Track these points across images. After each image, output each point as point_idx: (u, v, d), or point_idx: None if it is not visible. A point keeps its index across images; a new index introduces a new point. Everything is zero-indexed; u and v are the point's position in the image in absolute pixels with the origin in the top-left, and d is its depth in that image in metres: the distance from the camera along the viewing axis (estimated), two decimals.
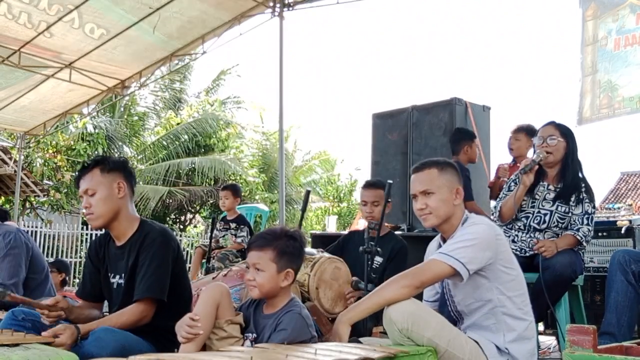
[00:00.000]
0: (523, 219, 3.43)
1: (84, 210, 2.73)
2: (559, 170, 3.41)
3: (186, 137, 16.48)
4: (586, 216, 3.31)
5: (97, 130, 14.35)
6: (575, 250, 3.29)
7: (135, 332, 2.43)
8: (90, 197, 2.62)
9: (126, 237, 2.66)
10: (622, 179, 25.01)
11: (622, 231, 4.15)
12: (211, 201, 15.96)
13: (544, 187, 3.43)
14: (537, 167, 3.33)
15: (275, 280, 2.27)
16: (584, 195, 3.34)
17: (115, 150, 15.43)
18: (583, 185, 3.38)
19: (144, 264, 2.54)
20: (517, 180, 3.44)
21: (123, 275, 2.63)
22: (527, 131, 4.52)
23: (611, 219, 4.43)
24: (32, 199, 13.64)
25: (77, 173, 2.83)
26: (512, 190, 3.43)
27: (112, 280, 2.69)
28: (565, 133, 3.40)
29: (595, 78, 5.27)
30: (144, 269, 2.53)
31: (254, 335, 2.30)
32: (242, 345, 2.24)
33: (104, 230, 2.77)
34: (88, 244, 12.34)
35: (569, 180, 3.36)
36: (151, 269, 2.51)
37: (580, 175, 3.40)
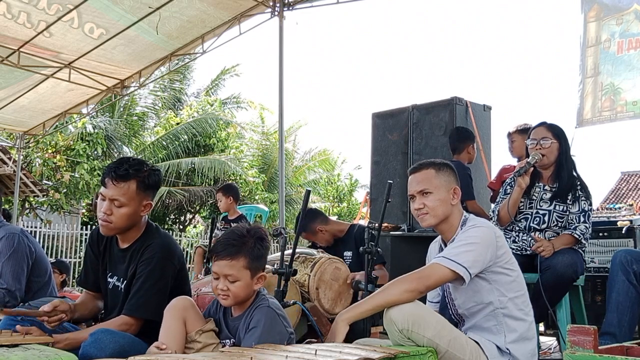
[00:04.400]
0: (522, 220, 3.43)
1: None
2: (554, 170, 3.43)
3: (186, 137, 16.47)
4: (583, 214, 3.32)
5: (96, 130, 14.31)
6: (577, 250, 3.28)
7: (135, 334, 2.42)
8: (115, 207, 2.50)
9: (130, 241, 2.63)
10: (623, 178, 24.96)
11: (623, 231, 4.15)
12: (211, 201, 15.94)
13: (540, 187, 3.44)
14: (532, 169, 3.34)
15: (250, 287, 2.26)
16: (580, 193, 3.36)
17: (115, 151, 15.40)
18: (578, 183, 3.39)
19: (139, 279, 2.50)
20: (512, 183, 3.45)
21: (122, 279, 2.61)
22: (519, 130, 4.56)
23: (612, 219, 4.41)
24: (32, 199, 13.62)
25: (109, 170, 2.52)
26: (508, 194, 3.44)
27: (110, 279, 2.68)
28: (558, 134, 3.41)
29: (597, 80, 5.23)
30: (137, 285, 2.50)
31: (233, 340, 2.28)
32: None
33: None
34: None
35: (565, 179, 3.37)
36: (145, 287, 2.48)
37: (574, 173, 3.42)
